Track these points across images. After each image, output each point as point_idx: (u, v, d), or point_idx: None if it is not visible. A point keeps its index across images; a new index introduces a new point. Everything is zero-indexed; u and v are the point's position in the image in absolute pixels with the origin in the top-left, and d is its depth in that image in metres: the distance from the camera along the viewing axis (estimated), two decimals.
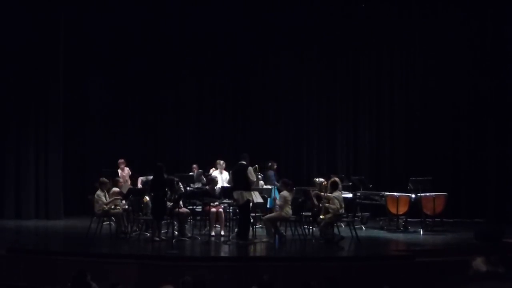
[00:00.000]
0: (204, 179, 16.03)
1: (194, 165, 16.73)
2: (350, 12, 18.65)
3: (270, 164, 16.04)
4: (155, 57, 18.79)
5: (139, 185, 15.36)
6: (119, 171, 16.29)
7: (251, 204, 13.54)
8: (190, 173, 16.38)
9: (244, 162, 13.70)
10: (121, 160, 16.48)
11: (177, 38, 18.88)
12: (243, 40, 18.89)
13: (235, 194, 13.46)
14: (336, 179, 14.18)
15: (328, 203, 13.40)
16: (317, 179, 14.95)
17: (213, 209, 14.18)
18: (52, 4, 17.84)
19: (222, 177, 15.90)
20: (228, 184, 14.75)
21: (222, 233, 14.27)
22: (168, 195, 13.83)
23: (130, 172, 16.39)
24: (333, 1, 18.79)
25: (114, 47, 18.64)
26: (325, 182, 14.09)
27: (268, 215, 13.80)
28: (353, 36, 18.61)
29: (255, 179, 13.85)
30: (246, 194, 13.35)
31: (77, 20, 18.25)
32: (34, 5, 17.72)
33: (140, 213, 14.30)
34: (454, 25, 18.05)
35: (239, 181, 13.51)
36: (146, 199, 14.18)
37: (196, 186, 15.63)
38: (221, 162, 16.23)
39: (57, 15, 17.88)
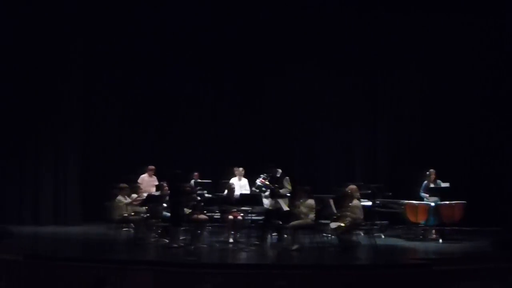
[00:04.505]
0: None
1: (195, 173, 16.65)
2: (366, 22, 18.65)
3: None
4: (171, 64, 18.87)
5: None
6: (146, 175, 16.10)
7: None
8: (192, 181, 16.36)
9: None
10: (151, 167, 16.23)
11: (192, 42, 18.87)
12: (260, 47, 18.85)
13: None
14: (354, 187, 14.14)
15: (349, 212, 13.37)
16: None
17: (231, 216, 14.16)
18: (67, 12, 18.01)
19: (240, 184, 15.89)
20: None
21: (240, 240, 14.25)
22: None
23: (157, 182, 15.99)
24: (351, 10, 18.80)
25: (130, 53, 18.70)
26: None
27: (294, 222, 13.76)
28: (369, 44, 18.60)
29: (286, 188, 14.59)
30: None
31: (92, 24, 18.38)
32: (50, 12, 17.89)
33: (159, 220, 14.32)
34: (467, 29, 18.03)
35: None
36: None
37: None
38: (240, 169, 16.16)
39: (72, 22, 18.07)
